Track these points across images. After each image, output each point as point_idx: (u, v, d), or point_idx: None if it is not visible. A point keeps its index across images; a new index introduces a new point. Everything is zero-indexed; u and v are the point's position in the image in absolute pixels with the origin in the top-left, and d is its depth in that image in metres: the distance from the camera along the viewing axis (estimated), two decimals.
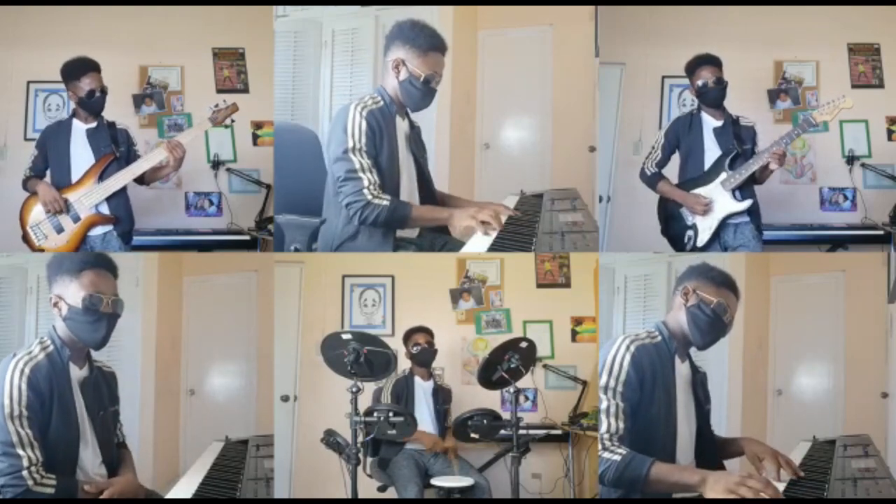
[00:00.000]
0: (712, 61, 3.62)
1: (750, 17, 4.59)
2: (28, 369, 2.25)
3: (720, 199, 3.59)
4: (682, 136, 3.70)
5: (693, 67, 3.65)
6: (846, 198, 4.67)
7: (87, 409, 2.38)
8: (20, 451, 2.19)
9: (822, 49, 4.67)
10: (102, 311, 2.31)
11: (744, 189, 3.59)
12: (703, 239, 3.62)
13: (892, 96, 4.61)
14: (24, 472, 2.18)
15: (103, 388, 2.49)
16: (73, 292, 2.31)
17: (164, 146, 3.56)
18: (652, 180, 3.75)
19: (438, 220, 2.95)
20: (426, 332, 4.08)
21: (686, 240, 3.66)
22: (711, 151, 3.63)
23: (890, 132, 4.64)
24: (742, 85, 4.24)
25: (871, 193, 4.62)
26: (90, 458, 2.38)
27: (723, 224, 3.60)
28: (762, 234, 3.65)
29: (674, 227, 3.72)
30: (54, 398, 2.27)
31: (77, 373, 2.39)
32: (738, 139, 3.60)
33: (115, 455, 2.52)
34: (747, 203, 3.57)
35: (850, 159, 4.61)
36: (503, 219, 2.88)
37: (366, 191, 2.82)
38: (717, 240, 3.61)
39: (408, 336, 4.09)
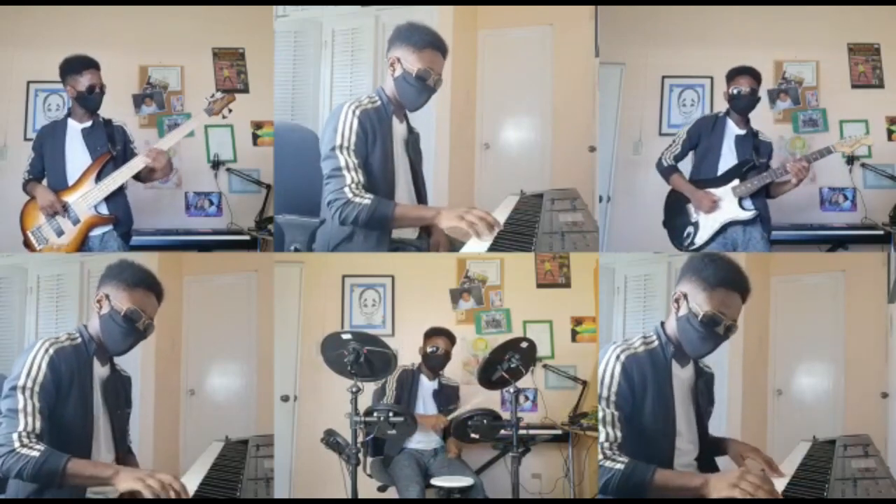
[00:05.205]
0: (752, 73, 3.71)
1: (750, 17, 4.59)
2: (53, 350, 2.31)
3: (727, 203, 3.68)
4: (703, 135, 3.79)
5: (733, 74, 3.74)
6: (846, 198, 4.67)
7: (105, 404, 2.42)
8: (20, 418, 2.21)
9: (822, 49, 4.67)
10: (137, 327, 2.40)
11: (754, 198, 3.69)
12: (701, 237, 3.72)
13: (893, 96, 4.61)
14: (14, 435, 2.19)
15: (120, 390, 2.53)
16: (121, 299, 2.39)
17: (143, 155, 3.54)
18: (667, 172, 3.86)
19: (424, 218, 2.88)
20: (449, 338, 4.05)
21: (685, 235, 3.76)
22: (727, 158, 3.73)
23: (890, 132, 4.63)
24: None
25: (871, 193, 4.62)
26: (103, 454, 2.41)
27: (731, 225, 3.70)
28: (769, 238, 3.75)
29: (676, 221, 3.82)
30: (73, 386, 2.32)
31: (99, 369, 2.44)
32: (756, 151, 3.70)
33: (126, 458, 2.53)
34: (750, 214, 3.68)
35: (850, 159, 4.60)
36: (492, 230, 2.70)
37: (347, 189, 2.76)
38: (721, 239, 3.70)
39: (429, 335, 4.04)
